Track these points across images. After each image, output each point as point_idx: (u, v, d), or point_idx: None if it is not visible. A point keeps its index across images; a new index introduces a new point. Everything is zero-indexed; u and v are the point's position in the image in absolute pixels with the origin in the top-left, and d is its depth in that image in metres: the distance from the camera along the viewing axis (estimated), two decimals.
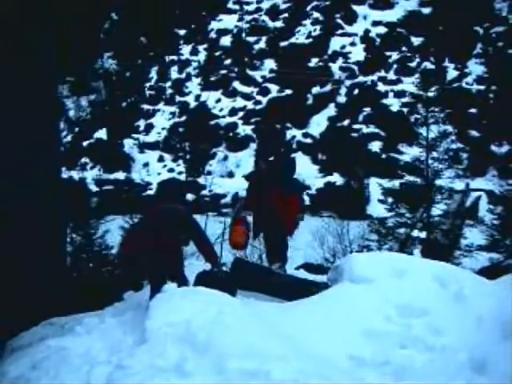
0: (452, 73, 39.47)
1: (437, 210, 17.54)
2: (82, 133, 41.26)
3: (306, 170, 36.56)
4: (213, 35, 48.39)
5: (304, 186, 35.38)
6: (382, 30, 42.79)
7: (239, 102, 42.68)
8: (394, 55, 41.46)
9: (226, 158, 39.58)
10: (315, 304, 6.67)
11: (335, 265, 8.45)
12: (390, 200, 19.44)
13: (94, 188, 36.17)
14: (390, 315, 6.12)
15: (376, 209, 28.65)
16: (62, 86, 41.30)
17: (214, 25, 49.09)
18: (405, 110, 37.02)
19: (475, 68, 39.11)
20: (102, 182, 36.64)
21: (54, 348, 5.92)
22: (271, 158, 11.21)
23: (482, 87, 37.49)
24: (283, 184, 9.99)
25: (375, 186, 31.27)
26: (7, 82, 7.32)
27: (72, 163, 36.76)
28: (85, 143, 41.23)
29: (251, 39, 46.38)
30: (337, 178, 35.63)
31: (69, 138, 38.26)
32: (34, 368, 5.57)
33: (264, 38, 46.03)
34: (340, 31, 43.66)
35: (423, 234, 17.47)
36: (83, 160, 40.55)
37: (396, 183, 23.41)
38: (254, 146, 39.75)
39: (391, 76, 40.49)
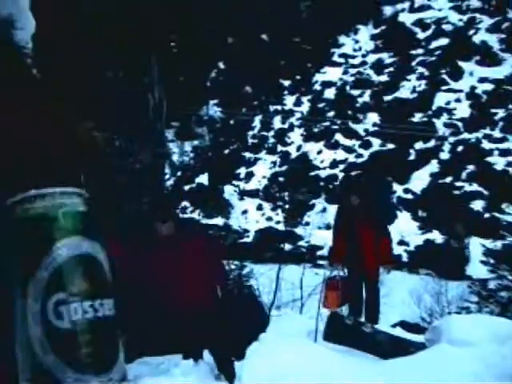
0: None
1: None
2: (185, 177, 42.22)
3: (406, 226, 36.11)
4: (317, 87, 48.81)
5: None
6: (489, 86, 42.05)
7: (340, 155, 42.65)
8: (501, 113, 40.60)
9: (324, 209, 39.43)
10: (411, 364, 6.52)
11: (433, 325, 8.26)
12: (491, 261, 18.98)
13: None
14: (489, 383, 5.91)
15: (477, 270, 27.90)
16: (167, 131, 42.62)
17: (319, 77, 49.52)
18: (510, 169, 36.20)
19: None
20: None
21: None
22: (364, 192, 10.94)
23: None
24: (376, 223, 9.83)
25: (477, 245, 30.60)
26: (118, 124, 7.58)
27: (173, 206, 37.59)
28: (186, 187, 42.12)
29: (355, 92, 46.52)
30: (436, 236, 34.94)
31: (171, 182, 39.22)
32: None
33: (368, 92, 46.06)
34: (445, 87, 43.24)
35: None
36: (184, 204, 41.35)
37: (498, 244, 22.83)
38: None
39: (497, 134, 39.64)
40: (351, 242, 9.71)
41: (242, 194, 42.57)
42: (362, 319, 9.91)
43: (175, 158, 46.00)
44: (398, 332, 10.87)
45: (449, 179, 37.80)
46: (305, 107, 48.13)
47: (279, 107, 48.79)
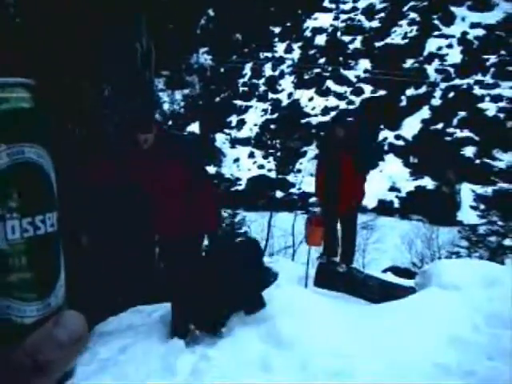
0: None
1: None
2: (176, 126, 42.05)
3: (397, 173, 36.19)
4: (308, 33, 48.42)
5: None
6: (481, 32, 41.82)
7: (332, 102, 42.56)
8: (492, 58, 40.41)
9: (316, 156, 39.40)
10: (402, 308, 6.60)
11: (423, 269, 8.35)
12: (482, 207, 19.12)
13: None
14: (477, 324, 5.98)
15: (467, 215, 28.07)
16: (157, 80, 42.28)
17: (310, 23, 49.12)
18: (501, 115, 36.15)
19: None
20: None
21: (141, 334, 6.07)
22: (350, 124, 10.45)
23: None
24: (358, 155, 9.52)
25: (467, 191, 30.74)
26: (105, 74, 7.51)
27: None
28: None
29: (346, 38, 46.19)
30: (428, 182, 35.06)
31: None
32: (122, 352, 5.71)
33: (359, 38, 45.77)
34: (437, 32, 42.94)
35: None
36: None
37: (489, 190, 22.91)
38: None
39: (488, 80, 39.51)
40: (332, 177, 9.32)
41: (234, 142, 42.53)
42: (337, 259, 9.81)
43: (166, 106, 45.74)
44: (389, 277, 11.00)
45: (440, 125, 37.79)
46: (295, 54, 47.84)
47: (270, 54, 48.44)
